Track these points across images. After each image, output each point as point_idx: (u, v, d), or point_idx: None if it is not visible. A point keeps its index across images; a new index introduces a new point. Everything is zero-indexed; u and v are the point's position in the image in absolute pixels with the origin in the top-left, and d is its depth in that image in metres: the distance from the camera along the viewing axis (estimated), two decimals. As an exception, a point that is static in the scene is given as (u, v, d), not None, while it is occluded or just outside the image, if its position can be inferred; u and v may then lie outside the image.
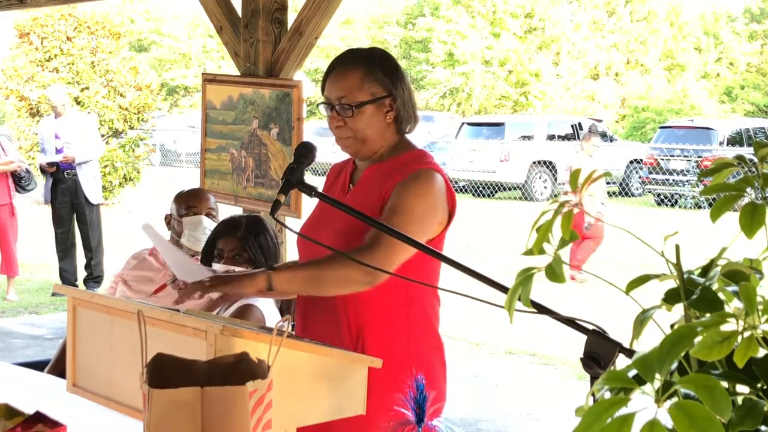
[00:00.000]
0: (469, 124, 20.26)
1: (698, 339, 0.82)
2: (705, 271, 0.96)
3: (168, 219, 3.57)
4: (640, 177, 18.31)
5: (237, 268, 3.16)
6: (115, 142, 14.60)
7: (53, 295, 8.32)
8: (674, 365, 0.84)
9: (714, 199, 1.08)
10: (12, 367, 2.92)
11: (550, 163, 18.59)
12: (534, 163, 18.47)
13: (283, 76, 4.01)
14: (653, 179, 17.24)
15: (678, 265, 0.94)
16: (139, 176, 15.24)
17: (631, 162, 18.83)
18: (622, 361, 1.26)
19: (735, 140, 17.66)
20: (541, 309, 1.49)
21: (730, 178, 0.98)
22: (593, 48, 30.44)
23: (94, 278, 8.54)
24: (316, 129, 21.11)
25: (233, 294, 2.27)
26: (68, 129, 8.36)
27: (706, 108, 28.28)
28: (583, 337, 1.44)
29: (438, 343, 2.43)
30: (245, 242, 2.99)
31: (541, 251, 1.05)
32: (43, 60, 14.54)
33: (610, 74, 30.97)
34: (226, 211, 3.60)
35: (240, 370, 1.67)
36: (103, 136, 10.52)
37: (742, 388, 0.86)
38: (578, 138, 19.08)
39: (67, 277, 8.55)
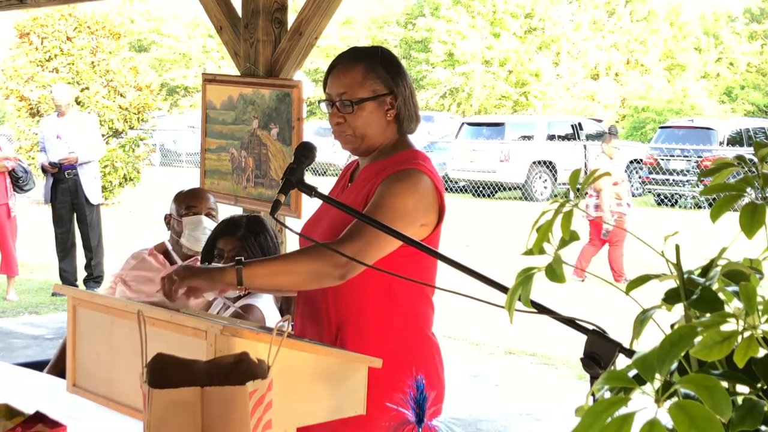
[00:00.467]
0: (469, 124, 20.26)
1: (698, 339, 0.82)
2: (705, 271, 0.96)
3: (168, 219, 3.57)
4: (640, 177, 18.31)
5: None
6: (115, 142, 14.59)
7: (53, 295, 8.32)
8: (674, 365, 0.84)
9: (714, 199, 1.08)
10: (12, 367, 2.92)
11: (550, 163, 18.59)
12: (534, 163, 18.47)
13: (283, 76, 4.01)
14: (653, 179, 17.25)
15: (678, 265, 0.94)
16: (139, 176, 15.24)
17: (631, 162, 18.82)
18: (622, 361, 1.26)
19: (735, 140, 17.67)
20: (541, 309, 1.49)
21: (730, 178, 0.98)
22: (593, 48, 30.44)
23: (94, 278, 8.54)
24: (316, 129, 21.12)
25: (203, 288, 2.22)
26: (70, 129, 8.35)
27: (706, 108, 28.28)
28: (583, 337, 1.44)
29: (427, 344, 2.39)
30: (245, 242, 2.99)
31: (541, 251, 1.05)
32: (43, 60, 14.54)
33: (610, 74, 30.97)
34: (226, 211, 3.60)
35: (240, 370, 1.67)
36: (103, 136, 10.51)
37: (742, 388, 0.86)
38: (578, 138, 19.11)
39: (67, 277, 8.55)
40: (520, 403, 5.64)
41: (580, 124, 19.76)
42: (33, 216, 12.60)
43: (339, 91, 2.33)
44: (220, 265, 2.25)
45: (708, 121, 20.00)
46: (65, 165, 8.24)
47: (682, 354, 0.81)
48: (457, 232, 11.82)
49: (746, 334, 0.81)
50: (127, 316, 2.04)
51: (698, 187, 14.63)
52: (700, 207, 16.08)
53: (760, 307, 0.82)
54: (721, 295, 0.90)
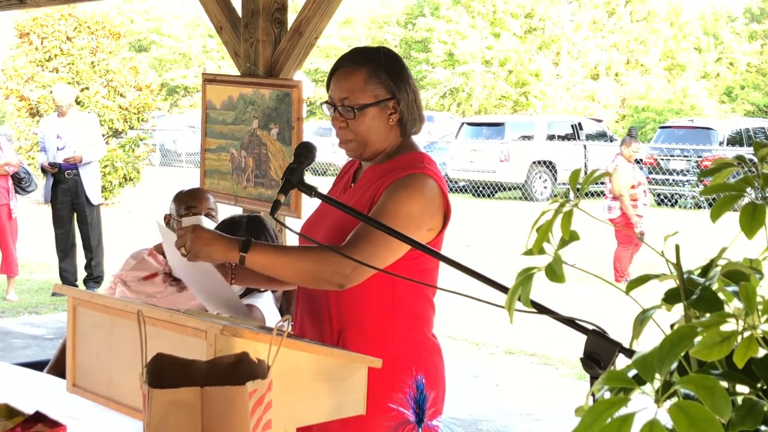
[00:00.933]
0: (469, 124, 20.26)
1: (698, 339, 0.82)
2: (705, 271, 0.96)
3: (167, 219, 3.57)
4: (640, 177, 18.30)
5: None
6: (115, 142, 14.59)
7: (53, 295, 8.32)
8: (674, 365, 0.84)
9: (714, 199, 1.08)
10: (12, 367, 2.92)
11: (550, 163, 18.60)
12: (534, 163, 18.47)
13: (283, 76, 4.01)
14: (653, 179, 17.23)
15: (678, 265, 0.94)
16: (139, 176, 15.24)
17: (632, 162, 18.80)
18: (622, 361, 1.26)
19: (735, 140, 17.67)
20: (541, 309, 1.49)
21: (730, 178, 0.97)
22: (593, 48, 30.44)
23: (94, 278, 8.55)
24: (316, 129, 21.14)
25: (202, 254, 2.16)
26: (70, 129, 8.35)
27: (706, 108, 28.29)
28: (583, 337, 1.44)
29: (428, 345, 2.38)
30: (245, 242, 2.99)
31: (541, 251, 1.05)
32: (43, 60, 14.54)
33: (610, 74, 30.98)
34: (226, 211, 3.60)
35: (240, 370, 1.67)
36: (103, 136, 10.51)
37: (742, 388, 0.86)
38: (578, 138, 19.11)
39: (67, 277, 8.55)
40: (520, 403, 5.64)
41: (580, 124, 19.76)
42: (33, 216, 12.60)
43: (341, 96, 2.30)
44: (226, 236, 2.20)
45: (708, 121, 20.01)
46: (65, 165, 8.24)
47: (682, 354, 0.81)
48: (457, 232, 11.81)
49: (746, 334, 0.81)
50: (127, 316, 2.04)
51: (698, 187, 14.63)
52: (700, 207, 16.08)
53: (760, 307, 0.82)
54: (721, 295, 0.90)
